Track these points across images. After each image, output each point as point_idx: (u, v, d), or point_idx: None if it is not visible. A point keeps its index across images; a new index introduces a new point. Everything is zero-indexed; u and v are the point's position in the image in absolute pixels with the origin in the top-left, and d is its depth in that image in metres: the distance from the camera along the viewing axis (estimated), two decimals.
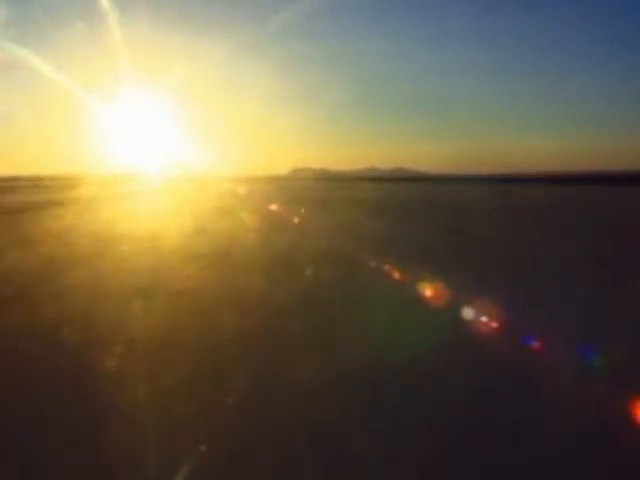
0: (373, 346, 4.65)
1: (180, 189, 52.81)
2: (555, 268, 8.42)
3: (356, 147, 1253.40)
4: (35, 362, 4.28)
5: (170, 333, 4.98)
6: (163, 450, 2.91)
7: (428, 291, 6.36)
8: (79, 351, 4.46)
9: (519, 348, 4.43)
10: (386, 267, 8.02)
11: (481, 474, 2.73)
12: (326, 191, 48.82)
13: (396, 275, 7.56)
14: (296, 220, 17.06)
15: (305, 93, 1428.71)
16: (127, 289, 6.85)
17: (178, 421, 3.22)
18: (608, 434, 3.06)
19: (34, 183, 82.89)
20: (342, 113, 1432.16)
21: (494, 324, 4.99)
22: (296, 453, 2.87)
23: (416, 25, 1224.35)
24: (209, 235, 12.91)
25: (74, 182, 67.08)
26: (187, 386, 3.74)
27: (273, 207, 23.58)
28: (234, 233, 13.56)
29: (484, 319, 5.12)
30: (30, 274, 8.08)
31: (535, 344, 4.40)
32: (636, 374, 3.93)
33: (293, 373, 3.98)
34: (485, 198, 36.43)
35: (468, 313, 5.31)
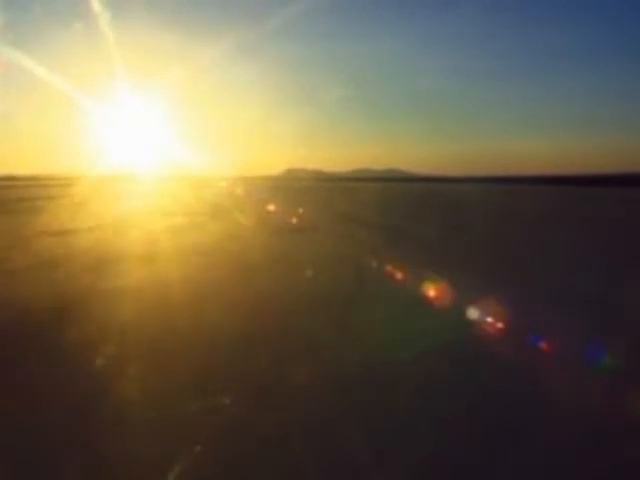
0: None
1: (177, 188, 53.04)
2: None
3: (350, 148, 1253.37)
4: None
5: None
6: None
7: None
8: None
9: None
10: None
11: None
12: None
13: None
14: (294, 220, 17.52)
15: (300, 94, 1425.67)
16: None
17: None
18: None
19: (29, 183, 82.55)
20: (336, 114, 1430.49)
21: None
22: None
23: (410, 27, 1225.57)
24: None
25: (70, 182, 66.87)
26: None
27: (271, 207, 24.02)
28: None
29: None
30: None
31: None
32: None
33: None
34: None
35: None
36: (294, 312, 5.85)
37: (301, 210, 21.59)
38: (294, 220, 17.31)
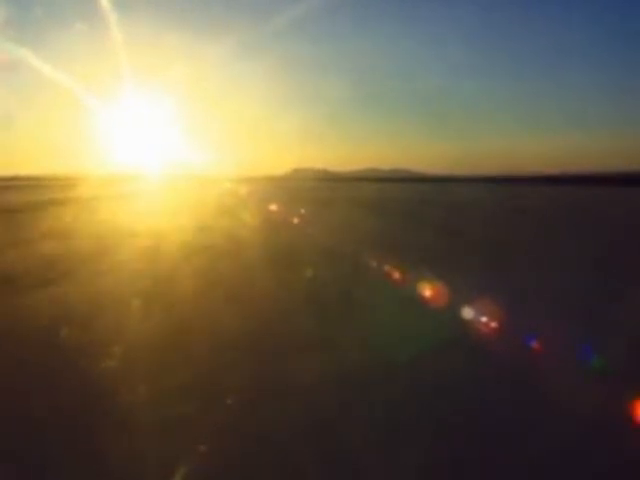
0: None
1: (183, 190, 52.88)
2: None
3: (356, 147, 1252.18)
4: None
5: None
6: None
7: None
8: None
9: None
10: None
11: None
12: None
13: None
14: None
15: (305, 93, 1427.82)
16: None
17: None
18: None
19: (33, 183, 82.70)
20: (342, 113, 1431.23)
21: None
22: None
23: (416, 25, 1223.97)
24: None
25: (75, 182, 66.91)
26: None
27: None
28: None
29: None
30: None
31: None
32: None
33: None
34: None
35: None
36: None
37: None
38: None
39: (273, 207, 23.56)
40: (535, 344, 4.37)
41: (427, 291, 6.33)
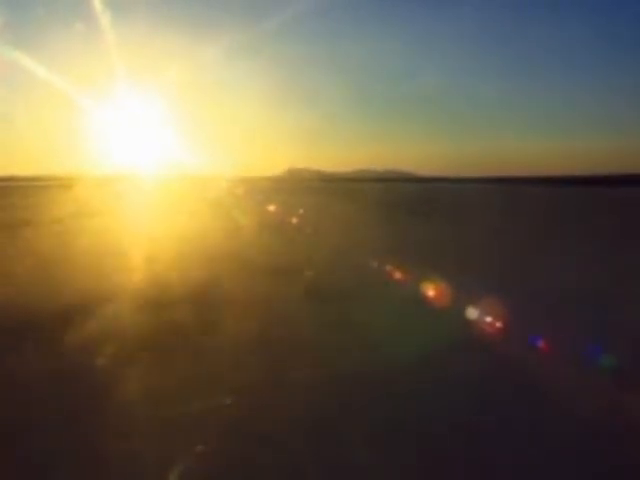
0: None
1: (178, 191, 53.44)
2: None
3: (350, 148, 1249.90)
4: None
5: None
6: None
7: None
8: None
9: None
10: None
11: None
12: None
13: None
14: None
15: (300, 94, 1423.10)
16: None
17: None
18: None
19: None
20: (337, 114, 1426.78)
21: None
22: None
23: (410, 27, 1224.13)
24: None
25: (73, 182, 67.34)
26: None
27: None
28: None
29: None
30: None
31: None
32: None
33: None
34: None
35: None
36: None
37: None
38: None
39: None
40: None
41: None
